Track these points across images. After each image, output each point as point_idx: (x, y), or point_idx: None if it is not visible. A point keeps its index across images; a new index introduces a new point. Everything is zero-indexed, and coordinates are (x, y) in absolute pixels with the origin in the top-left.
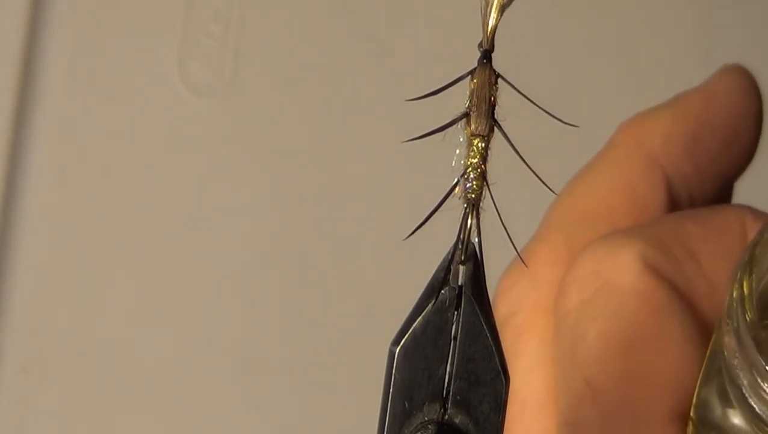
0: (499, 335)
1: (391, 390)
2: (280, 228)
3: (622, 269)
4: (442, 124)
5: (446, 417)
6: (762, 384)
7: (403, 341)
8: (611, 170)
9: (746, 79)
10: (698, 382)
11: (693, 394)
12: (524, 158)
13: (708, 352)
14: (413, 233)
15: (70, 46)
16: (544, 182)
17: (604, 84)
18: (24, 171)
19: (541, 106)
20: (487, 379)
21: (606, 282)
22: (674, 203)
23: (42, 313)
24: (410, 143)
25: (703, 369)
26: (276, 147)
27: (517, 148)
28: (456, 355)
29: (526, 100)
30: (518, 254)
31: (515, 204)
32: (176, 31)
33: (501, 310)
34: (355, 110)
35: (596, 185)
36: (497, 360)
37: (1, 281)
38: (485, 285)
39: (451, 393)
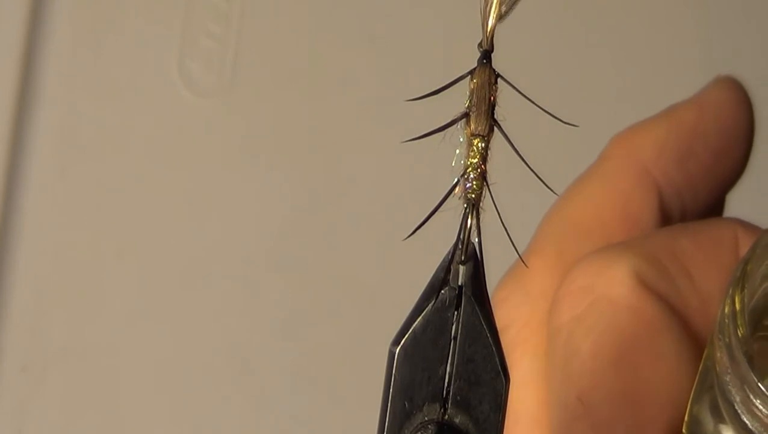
0: None
1: (391, 390)
2: (280, 228)
3: (614, 284)
4: (442, 124)
5: (446, 417)
6: (754, 400)
7: (403, 341)
8: (603, 182)
9: (738, 90)
10: (690, 398)
11: (685, 410)
12: (524, 158)
13: (700, 368)
14: (413, 233)
15: (70, 46)
16: (544, 182)
17: (604, 84)
18: (24, 171)
19: (541, 106)
20: (487, 379)
21: (598, 297)
22: (666, 215)
23: (42, 313)
24: (410, 142)
25: (695, 384)
26: (276, 147)
27: (517, 148)
28: (456, 355)
29: (526, 101)
30: (519, 255)
31: (515, 204)
32: (176, 31)
33: (499, 322)
34: (355, 109)
35: (589, 197)
36: (497, 360)
37: (1, 281)
38: (485, 285)
39: (451, 393)
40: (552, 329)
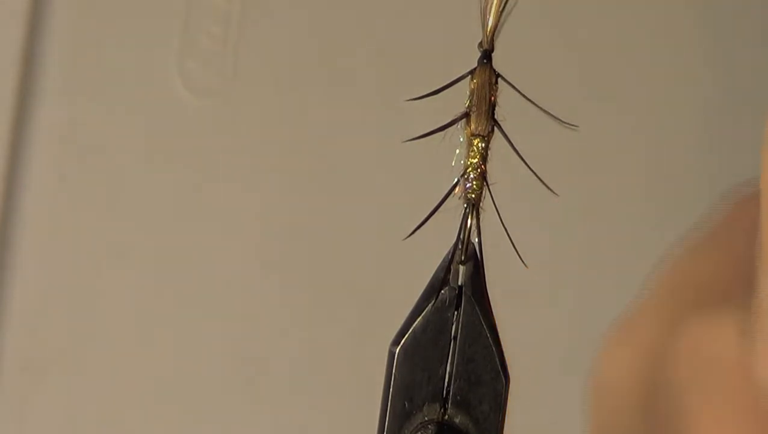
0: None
1: (391, 390)
2: (281, 228)
3: (726, 344)
4: (442, 124)
5: (446, 417)
6: None
7: (403, 341)
8: (720, 242)
9: None
10: None
11: None
12: (524, 158)
13: None
14: (413, 233)
15: (70, 46)
16: (544, 182)
17: (604, 85)
18: (24, 173)
19: (541, 106)
20: (487, 379)
21: (710, 357)
22: None
23: (42, 313)
24: (410, 142)
25: None
26: (276, 147)
27: (517, 148)
28: (456, 355)
29: (526, 101)
30: (519, 255)
31: (515, 204)
32: (176, 31)
33: (605, 375)
34: (355, 109)
35: (706, 255)
36: (497, 360)
37: (1, 281)
38: (485, 285)
39: (451, 393)
40: (661, 385)
